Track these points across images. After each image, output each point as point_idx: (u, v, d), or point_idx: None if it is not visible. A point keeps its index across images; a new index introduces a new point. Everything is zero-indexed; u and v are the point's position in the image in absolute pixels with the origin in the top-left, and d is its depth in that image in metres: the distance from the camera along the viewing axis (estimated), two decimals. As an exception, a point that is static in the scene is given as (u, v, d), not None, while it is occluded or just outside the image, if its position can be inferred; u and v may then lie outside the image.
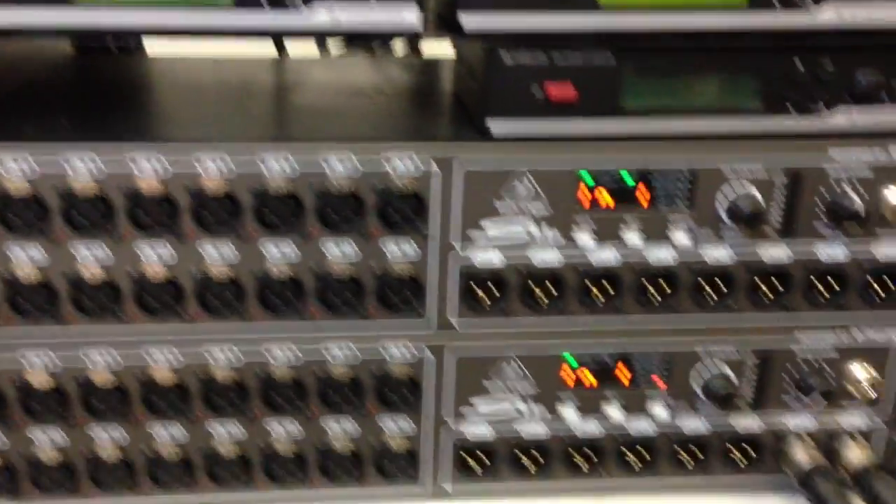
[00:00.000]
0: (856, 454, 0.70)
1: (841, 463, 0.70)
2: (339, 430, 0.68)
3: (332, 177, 0.60)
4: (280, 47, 0.96)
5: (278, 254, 0.62)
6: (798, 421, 0.70)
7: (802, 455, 0.69)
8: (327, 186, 0.60)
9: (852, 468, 0.69)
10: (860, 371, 0.69)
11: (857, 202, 0.63)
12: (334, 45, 1.02)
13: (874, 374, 0.68)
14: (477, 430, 0.69)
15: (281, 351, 0.65)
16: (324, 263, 0.63)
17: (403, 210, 0.61)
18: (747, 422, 0.70)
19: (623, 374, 0.68)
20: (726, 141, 0.62)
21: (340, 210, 0.61)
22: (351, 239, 0.62)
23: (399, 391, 0.67)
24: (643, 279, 0.65)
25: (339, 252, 0.62)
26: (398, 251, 0.63)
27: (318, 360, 0.65)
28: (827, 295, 0.66)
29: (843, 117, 0.63)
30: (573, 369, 0.68)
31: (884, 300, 0.67)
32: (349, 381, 0.66)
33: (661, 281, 0.65)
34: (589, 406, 0.69)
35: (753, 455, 0.71)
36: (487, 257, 0.64)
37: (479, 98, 0.62)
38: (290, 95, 0.75)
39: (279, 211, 0.61)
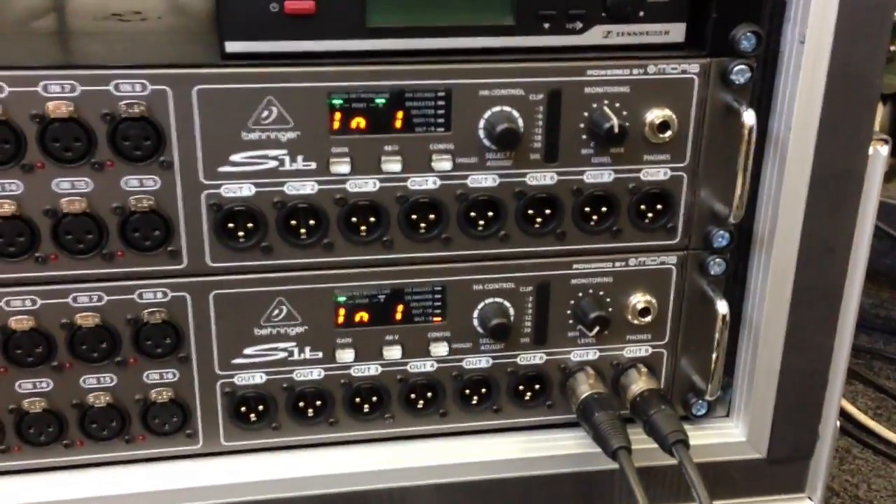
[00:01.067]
0: (637, 382, 0.69)
1: (623, 392, 0.69)
2: (97, 383, 0.63)
3: (51, 103, 0.56)
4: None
5: (-1, 192, 0.57)
6: (580, 352, 0.69)
7: (583, 386, 0.68)
8: (47, 113, 0.56)
9: (632, 396, 0.68)
10: (637, 297, 0.68)
11: (618, 123, 0.61)
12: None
13: (650, 299, 0.68)
14: (248, 377, 0.65)
15: (20, 301, 0.60)
16: (54, 201, 0.58)
17: (138, 139, 0.57)
18: (530, 356, 0.68)
19: (398, 311, 0.66)
20: (481, 61, 0.60)
21: (66, 139, 0.56)
22: (83, 171, 0.57)
23: (158, 339, 0.63)
24: (407, 208, 0.62)
25: (71, 186, 0.58)
26: (138, 184, 0.59)
27: (62, 309, 0.61)
28: (595, 219, 0.65)
29: (599, 34, 0.61)
30: (345, 308, 0.65)
31: (653, 223, 0.66)
32: (101, 329, 0.62)
33: (426, 209, 0.63)
34: (365, 346, 0.66)
35: (539, 390, 0.70)
36: (237, 189, 0.60)
37: (217, 18, 0.58)
38: (40, 20, 0.70)
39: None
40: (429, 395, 0.68)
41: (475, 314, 0.66)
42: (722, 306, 0.67)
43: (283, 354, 0.65)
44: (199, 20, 0.69)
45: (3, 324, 0.60)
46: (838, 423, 0.72)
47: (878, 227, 0.64)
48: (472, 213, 0.63)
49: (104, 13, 0.71)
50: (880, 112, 1.14)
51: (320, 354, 0.66)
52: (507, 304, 0.67)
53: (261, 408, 0.66)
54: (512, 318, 0.66)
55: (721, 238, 0.66)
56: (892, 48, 1.03)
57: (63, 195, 0.58)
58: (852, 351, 0.71)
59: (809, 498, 0.74)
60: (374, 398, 0.68)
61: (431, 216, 0.63)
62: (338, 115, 0.59)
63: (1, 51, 0.61)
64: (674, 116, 0.62)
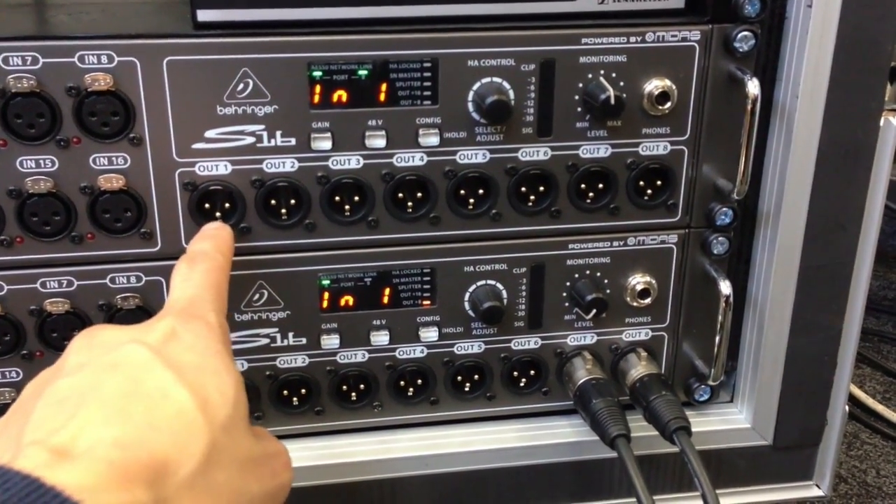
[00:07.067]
0: (636, 367, 0.66)
1: (622, 377, 0.66)
2: (69, 373, 0.60)
3: (12, 77, 0.53)
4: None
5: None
6: (576, 336, 0.66)
7: (581, 372, 0.65)
8: (8, 88, 0.53)
9: (631, 381, 0.65)
10: (636, 278, 0.65)
11: (615, 94, 0.58)
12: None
13: (650, 279, 0.65)
14: (228, 365, 0.62)
15: (-14, 286, 0.57)
16: (19, 181, 0.55)
17: (106, 114, 0.54)
18: (524, 341, 0.65)
19: (385, 295, 0.63)
20: (470, 29, 0.57)
21: (29, 115, 0.53)
22: (48, 149, 0.54)
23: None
24: (393, 186, 0.59)
25: (36, 165, 0.55)
26: (107, 162, 0.55)
27: (30, 295, 0.58)
28: (592, 196, 0.62)
29: (594, 0, 0.58)
30: (330, 291, 0.62)
31: (653, 200, 0.63)
32: (72, 316, 0.59)
33: (413, 187, 0.60)
34: (352, 331, 0.63)
35: (534, 376, 0.67)
36: (213, 167, 0.57)
37: (188, -15, 0.55)
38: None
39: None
40: (419, 382, 0.65)
41: (466, 297, 0.63)
42: (725, 287, 0.64)
43: (265, 341, 0.62)
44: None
45: (-32, 311, 0.57)
46: (847, 407, 0.69)
47: (885, 207, 0.61)
48: (462, 191, 0.60)
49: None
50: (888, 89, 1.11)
51: (304, 340, 0.63)
52: (499, 286, 0.63)
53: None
54: (505, 301, 0.64)
55: (724, 215, 0.63)
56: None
57: (28, 174, 0.55)
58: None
59: (817, 485, 0.71)
60: (362, 386, 0.65)
61: (419, 194, 0.60)
62: (318, 88, 0.56)
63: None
64: (674, 87, 0.59)
